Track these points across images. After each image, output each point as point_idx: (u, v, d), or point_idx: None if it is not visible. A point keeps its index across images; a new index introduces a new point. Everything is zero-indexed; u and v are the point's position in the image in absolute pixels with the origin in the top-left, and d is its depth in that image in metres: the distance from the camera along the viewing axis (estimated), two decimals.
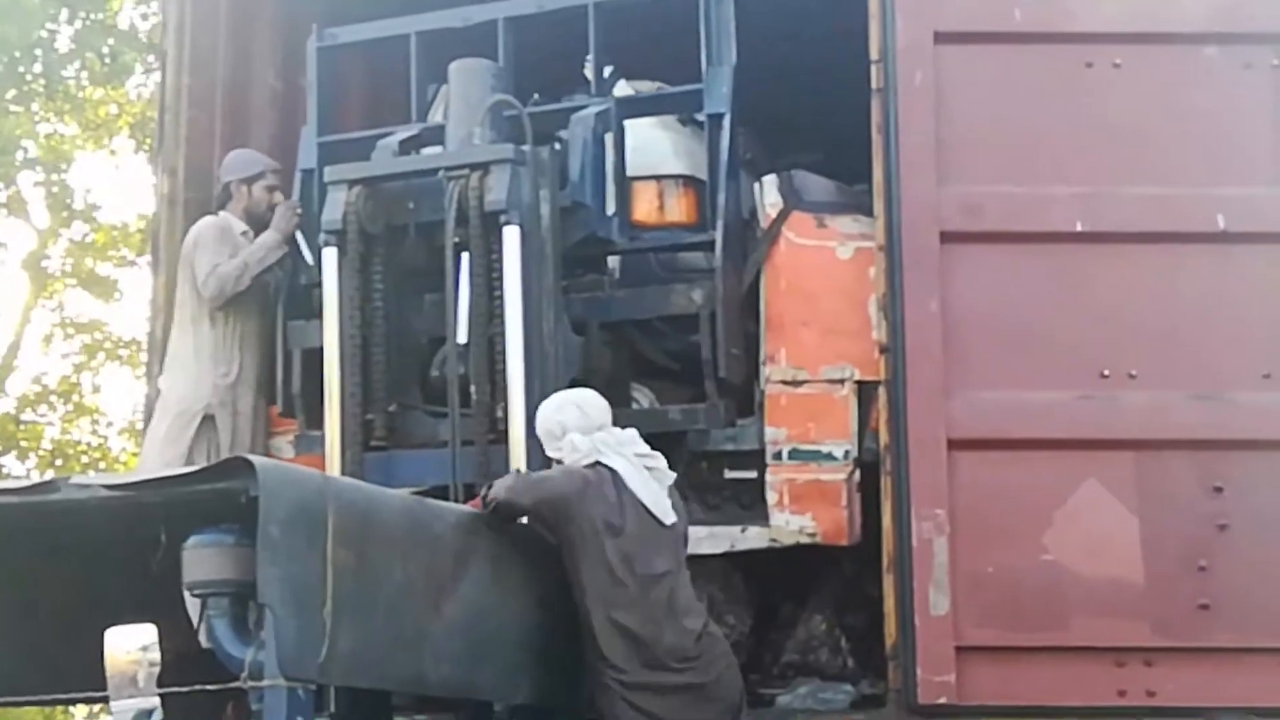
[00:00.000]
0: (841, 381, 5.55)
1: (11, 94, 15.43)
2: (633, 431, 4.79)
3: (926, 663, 5.12)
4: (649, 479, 4.71)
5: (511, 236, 5.17)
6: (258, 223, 6.19)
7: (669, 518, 4.70)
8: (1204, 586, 5.15)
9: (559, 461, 4.77)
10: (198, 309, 6.13)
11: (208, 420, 6.03)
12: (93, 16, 15.80)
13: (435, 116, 6.23)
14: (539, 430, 4.84)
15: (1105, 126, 5.45)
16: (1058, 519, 5.18)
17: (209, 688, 3.81)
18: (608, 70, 6.01)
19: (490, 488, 4.57)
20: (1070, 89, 5.47)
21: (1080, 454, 5.24)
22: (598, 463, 4.67)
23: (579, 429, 4.74)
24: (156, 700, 3.89)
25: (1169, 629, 5.15)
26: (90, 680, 4.27)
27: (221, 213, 6.25)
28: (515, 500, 4.53)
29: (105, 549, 4.26)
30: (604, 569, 4.53)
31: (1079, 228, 5.36)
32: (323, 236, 5.45)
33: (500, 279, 5.18)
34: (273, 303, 6.11)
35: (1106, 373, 5.26)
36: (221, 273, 6.03)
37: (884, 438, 5.32)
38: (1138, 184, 5.37)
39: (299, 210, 6.08)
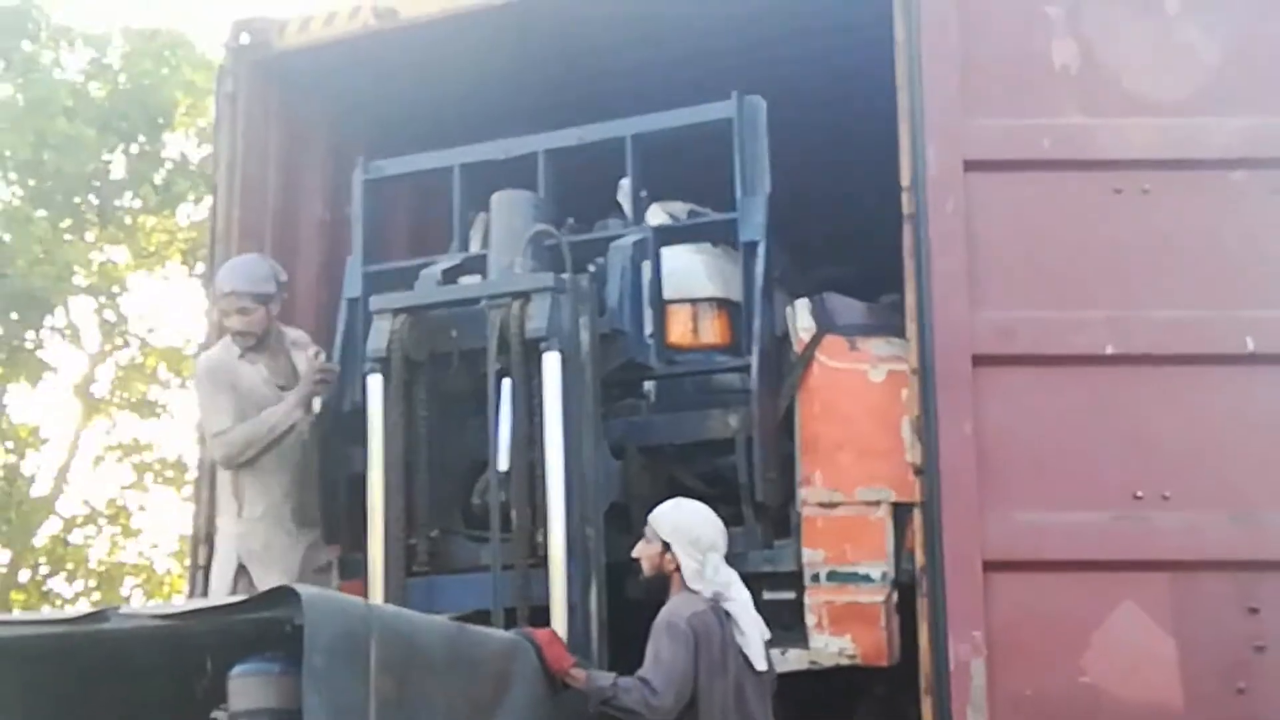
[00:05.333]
0: (877, 503, 5.58)
1: (67, 223, 15.76)
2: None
3: None
4: (754, 622, 4.92)
5: (552, 363, 5.26)
6: (236, 340, 6.11)
7: (760, 664, 4.86)
8: (1243, 708, 5.11)
9: (668, 557, 4.92)
10: None
11: (242, 570, 5.95)
12: (146, 147, 16.16)
13: (474, 242, 6.37)
14: (678, 527, 4.96)
15: (1135, 251, 5.50)
16: (1095, 640, 5.17)
17: None
18: (642, 193, 6.14)
19: (580, 668, 4.77)
20: (1100, 214, 5.54)
21: (1116, 575, 5.24)
22: (714, 596, 4.84)
23: (720, 553, 4.94)
24: None
25: None
26: None
27: (225, 338, 6.21)
28: (659, 707, 4.65)
29: (152, 676, 4.34)
30: (710, 713, 4.70)
31: (1110, 351, 5.41)
32: (368, 364, 5.54)
33: (540, 405, 5.26)
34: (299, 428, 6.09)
35: (1140, 494, 5.29)
36: (229, 440, 5.93)
37: (920, 559, 5.34)
38: (1167, 307, 5.42)
39: (325, 374, 6.01)
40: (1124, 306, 5.45)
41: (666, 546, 4.96)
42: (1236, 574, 5.23)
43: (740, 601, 4.94)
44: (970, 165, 5.56)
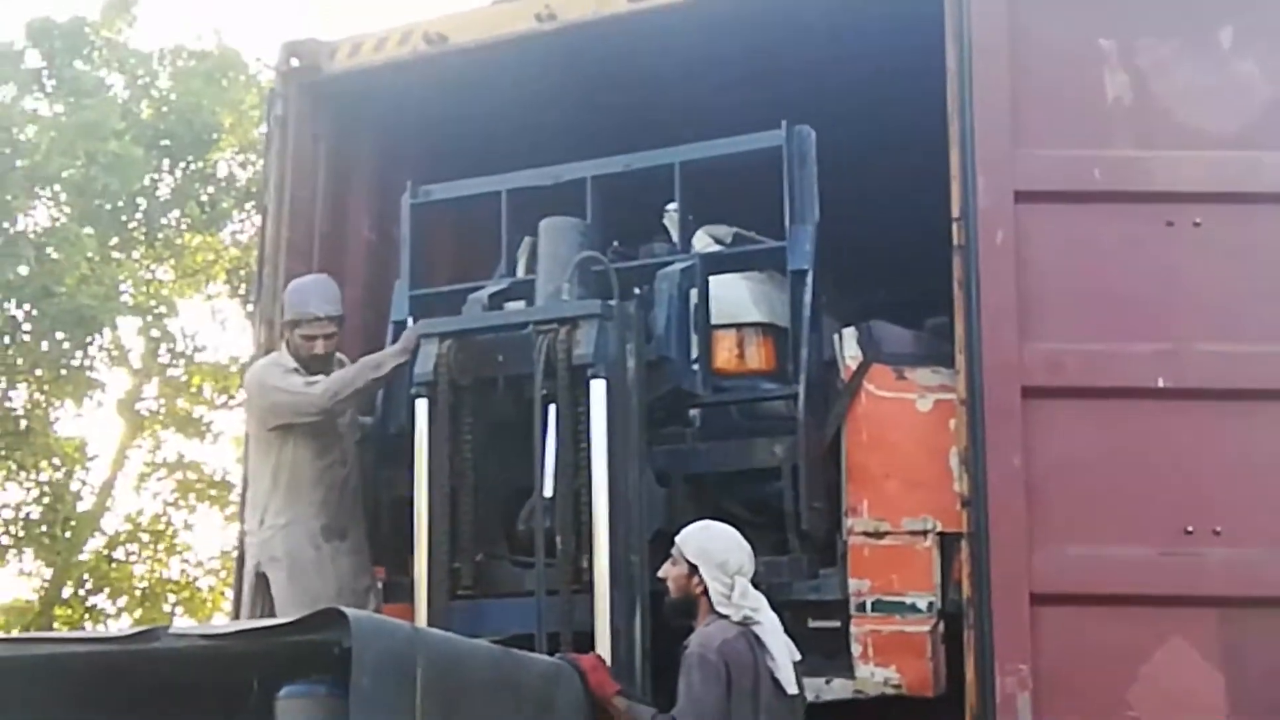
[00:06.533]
0: (924, 533, 5.57)
1: (114, 241, 15.90)
2: None
3: None
4: (784, 644, 4.86)
5: (598, 390, 5.28)
6: (304, 365, 6.03)
7: (791, 688, 4.80)
8: None
9: (696, 580, 4.85)
10: (262, 456, 6.06)
11: (261, 579, 5.93)
12: (193, 165, 16.30)
13: (520, 267, 6.39)
14: (706, 550, 4.89)
15: (1186, 284, 5.47)
16: (1142, 676, 5.13)
17: None
18: (689, 218, 6.15)
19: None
20: (1151, 247, 5.50)
21: (1165, 610, 5.20)
22: (744, 620, 4.78)
23: (748, 576, 4.88)
24: None
25: None
26: None
27: (275, 352, 6.19)
28: None
29: (200, 696, 4.35)
30: None
31: (1161, 384, 5.37)
32: (414, 388, 5.57)
33: (586, 432, 5.28)
34: (343, 447, 6.11)
35: (1190, 529, 5.24)
36: (324, 385, 5.86)
37: (967, 591, 5.30)
38: (1219, 341, 5.38)
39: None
40: (1175, 339, 5.41)
41: (694, 569, 4.90)
42: None
43: (769, 624, 4.89)
44: (1021, 196, 5.53)
